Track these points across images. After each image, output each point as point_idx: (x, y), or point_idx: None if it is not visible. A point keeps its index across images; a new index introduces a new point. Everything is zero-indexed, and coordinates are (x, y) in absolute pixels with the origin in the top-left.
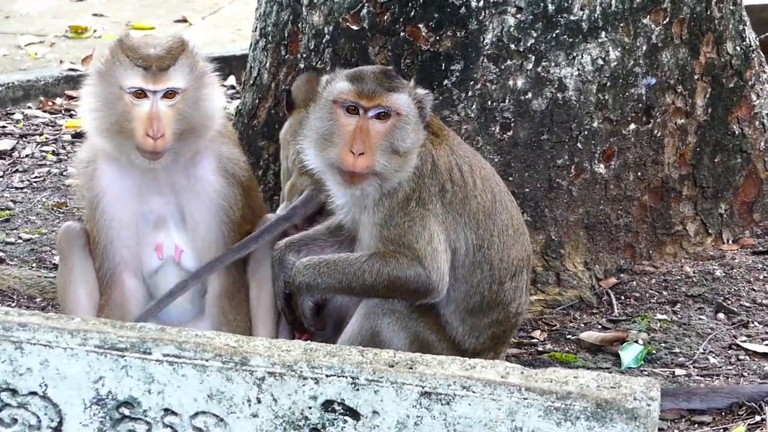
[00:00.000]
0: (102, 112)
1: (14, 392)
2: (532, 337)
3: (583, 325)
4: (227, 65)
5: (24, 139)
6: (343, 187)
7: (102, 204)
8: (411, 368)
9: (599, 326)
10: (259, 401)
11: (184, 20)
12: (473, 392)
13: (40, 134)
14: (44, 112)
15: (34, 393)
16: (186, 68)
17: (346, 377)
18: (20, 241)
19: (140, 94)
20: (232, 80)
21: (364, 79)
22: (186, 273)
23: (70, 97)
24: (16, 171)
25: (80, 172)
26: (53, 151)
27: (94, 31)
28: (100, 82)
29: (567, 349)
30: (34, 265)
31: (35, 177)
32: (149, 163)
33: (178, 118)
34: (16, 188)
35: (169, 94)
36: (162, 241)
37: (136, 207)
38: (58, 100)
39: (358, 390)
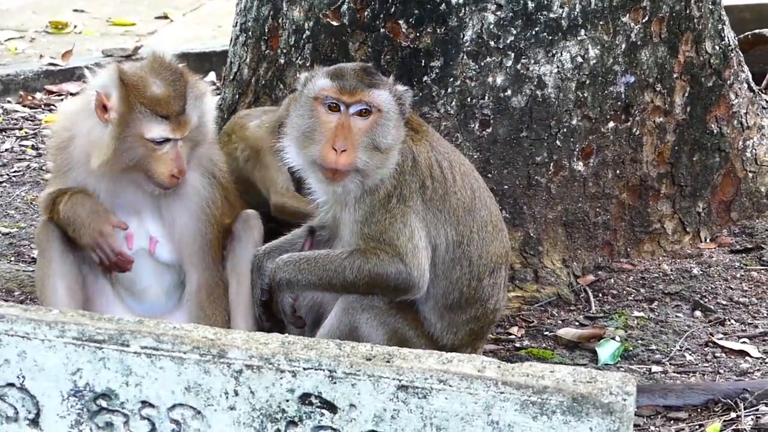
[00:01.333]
0: (118, 155)
1: None
2: (510, 334)
3: (560, 321)
4: (207, 61)
5: (3, 133)
6: (325, 185)
7: (71, 173)
8: (388, 362)
9: (577, 323)
10: (236, 394)
11: (165, 17)
12: (450, 386)
13: (20, 129)
14: (24, 106)
15: (11, 384)
16: (193, 101)
17: (324, 370)
18: None
19: (163, 141)
20: (212, 76)
21: (344, 76)
22: (161, 266)
23: (50, 92)
24: None
25: (56, 141)
26: (32, 145)
27: (75, 26)
28: (115, 129)
29: (544, 345)
30: (13, 258)
31: (14, 171)
32: (163, 192)
33: (189, 145)
34: None
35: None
36: (133, 231)
37: (106, 187)
38: (38, 95)
39: (335, 383)
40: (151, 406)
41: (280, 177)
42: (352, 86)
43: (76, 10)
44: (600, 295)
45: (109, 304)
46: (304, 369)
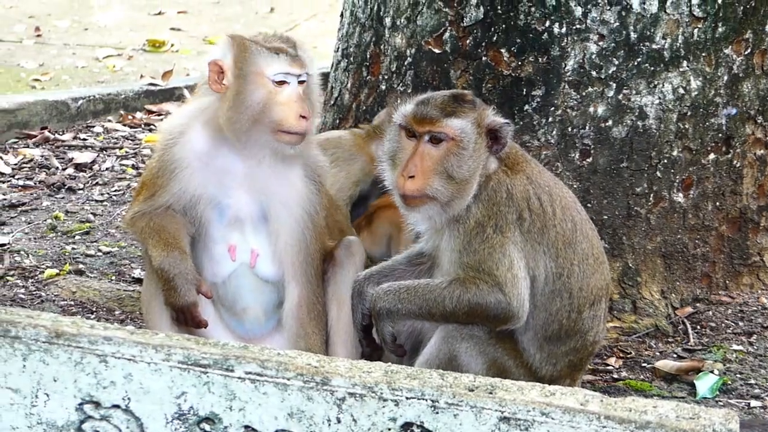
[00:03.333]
0: (244, 103)
1: (97, 405)
2: (608, 365)
3: (658, 353)
4: None
5: (104, 152)
6: (402, 210)
7: (179, 172)
8: (491, 393)
9: (675, 355)
10: (338, 421)
11: None
12: (552, 419)
13: (120, 148)
14: (124, 125)
15: (117, 406)
16: (304, 54)
17: (426, 400)
18: (100, 253)
19: (281, 81)
20: None
21: (426, 104)
22: (262, 283)
23: (150, 112)
24: (96, 184)
25: (165, 137)
26: (133, 165)
27: (172, 45)
28: (236, 75)
29: (642, 377)
30: (114, 277)
31: (115, 190)
32: (291, 148)
33: (307, 102)
34: (96, 201)
35: (301, 80)
36: (236, 242)
37: (214, 193)
38: (138, 115)
39: (437, 413)
40: (254, 431)
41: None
42: (425, 114)
43: (172, 29)
44: (698, 327)
45: (210, 325)
46: (407, 398)
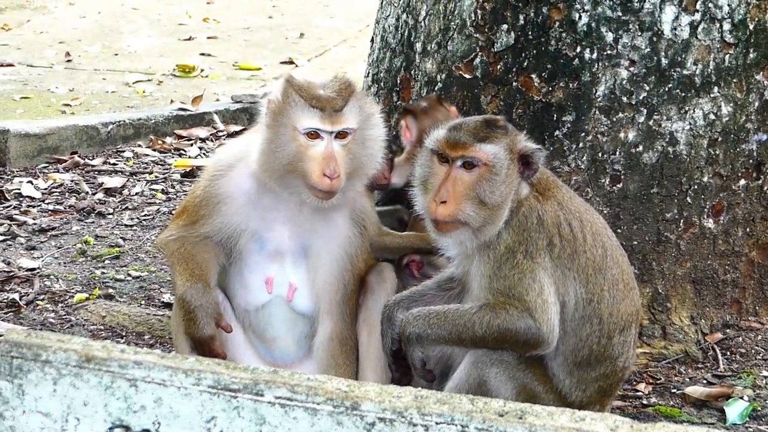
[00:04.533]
0: (275, 152)
1: (127, 429)
2: (637, 390)
3: (688, 379)
4: None
5: (134, 177)
6: (433, 235)
7: (222, 206)
8: (521, 418)
9: (704, 381)
10: None
11: (291, 62)
12: None
13: (150, 172)
14: (154, 150)
15: (147, 431)
16: (356, 109)
17: (456, 425)
18: (129, 278)
19: (314, 134)
20: None
21: (459, 129)
22: (296, 315)
23: (180, 137)
24: (126, 209)
25: (212, 171)
26: (162, 189)
27: (201, 70)
28: (272, 122)
29: (672, 403)
30: (143, 302)
31: (144, 215)
32: (319, 203)
33: (349, 157)
34: (126, 226)
35: (341, 134)
36: (274, 275)
37: (256, 227)
38: (168, 140)
39: None
40: None
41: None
42: (460, 139)
43: (202, 54)
44: (728, 353)
45: (239, 349)
46: (437, 423)
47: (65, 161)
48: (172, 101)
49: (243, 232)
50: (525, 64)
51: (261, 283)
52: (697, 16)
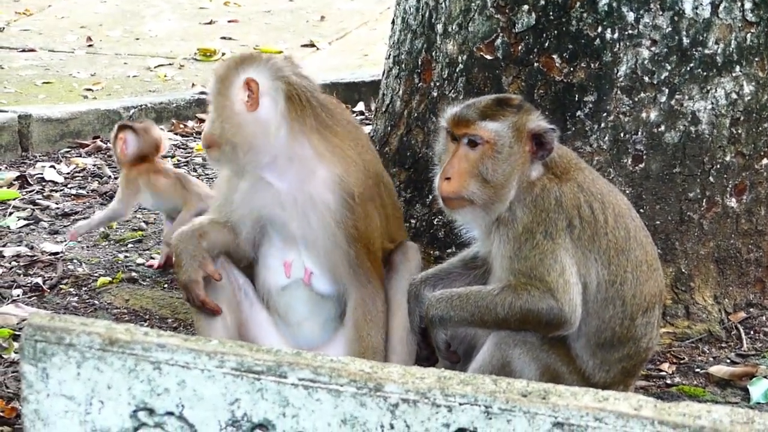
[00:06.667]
0: None
1: (151, 412)
2: (661, 370)
3: (711, 359)
4: (356, 91)
5: None
6: (446, 212)
7: (238, 195)
8: (544, 398)
9: (728, 360)
10: (392, 427)
11: (312, 45)
12: (606, 424)
13: (172, 156)
14: (176, 134)
15: (170, 413)
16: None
17: (480, 406)
18: (152, 261)
19: None
20: (361, 106)
21: (469, 107)
22: (318, 297)
23: (201, 120)
24: None
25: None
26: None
27: (222, 54)
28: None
29: (696, 382)
30: (166, 285)
31: None
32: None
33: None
34: (148, 210)
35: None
36: (291, 259)
37: (269, 213)
38: (190, 123)
39: (490, 419)
40: None
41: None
42: (465, 117)
43: (223, 38)
44: (751, 332)
45: (263, 331)
46: (460, 404)
47: (87, 146)
48: (193, 85)
49: (257, 219)
50: (546, 44)
51: (280, 267)
52: None
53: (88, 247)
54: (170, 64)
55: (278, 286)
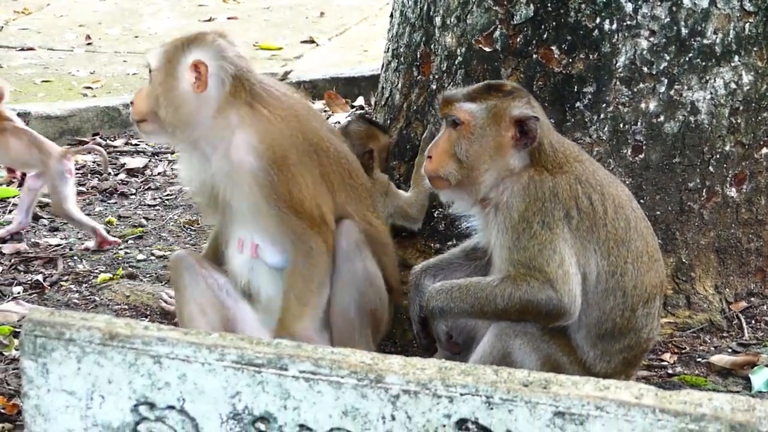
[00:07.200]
0: None
1: (152, 406)
2: (662, 360)
3: (713, 348)
4: (356, 86)
5: (156, 157)
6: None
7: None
8: (545, 388)
9: (729, 350)
10: (393, 418)
11: (311, 41)
12: (607, 413)
13: (172, 152)
14: None
15: (171, 407)
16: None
17: (481, 396)
18: (153, 257)
19: None
20: (360, 101)
21: (458, 89)
22: (272, 270)
23: None
24: (149, 189)
25: None
26: None
27: None
28: None
29: (697, 372)
30: (167, 282)
31: (167, 195)
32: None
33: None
34: (149, 206)
35: None
36: (243, 235)
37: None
38: None
39: (492, 409)
40: (309, 429)
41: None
42: (449, 98)
43: None
44: (753, 321)
45: (247, 324)
46: (461, 395)
47: (87, 143)
48: None
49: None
50: (545, 36)
51: (236, 245)
52: None
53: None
54: None
55: (239, 266)
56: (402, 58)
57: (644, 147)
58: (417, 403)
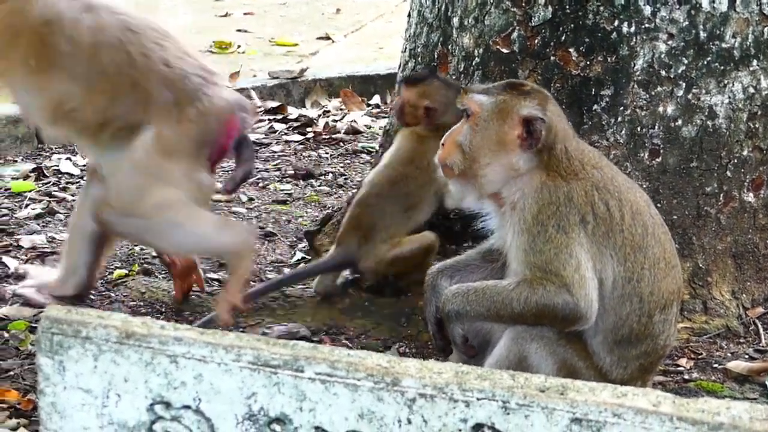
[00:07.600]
0: None
1: (168, 405)
2: (678, 366)
3: (729, 354)
4: (372, 84)
5: None
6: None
7: None
8: (562, 394)
9: (746, 356)
10: (409, 422)
11: (327, 37)
12: (624, 420)
13: None
14: None
15: (187, 407)
16: None
17: (497, 401)
18: None
19: None
20: (376, 99)
21: (480, 83)
22: None
23: None
24: None
25: None
26: None
27: (238, 46)
28: None
29: (713, 378)
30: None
31: None
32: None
33: None
34: None
35: None
36: None
37: None
38: None
39: (508, 414)
40: None
41: None
42: (467, 89)
43: (239, 30)
44: None
45: None
46: (478, 399)
47: None
48: None
49: None
50: (563, 38)
51: None
52: None
53: None
54: None
55: None
56: (419, 59)
57: (661, 151)
58: (433, 407)
